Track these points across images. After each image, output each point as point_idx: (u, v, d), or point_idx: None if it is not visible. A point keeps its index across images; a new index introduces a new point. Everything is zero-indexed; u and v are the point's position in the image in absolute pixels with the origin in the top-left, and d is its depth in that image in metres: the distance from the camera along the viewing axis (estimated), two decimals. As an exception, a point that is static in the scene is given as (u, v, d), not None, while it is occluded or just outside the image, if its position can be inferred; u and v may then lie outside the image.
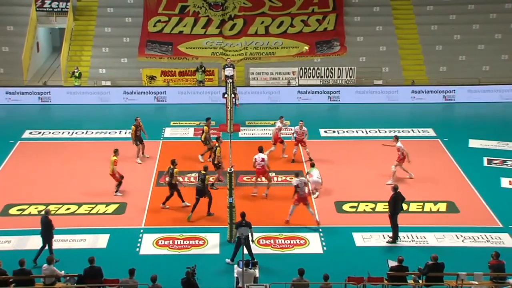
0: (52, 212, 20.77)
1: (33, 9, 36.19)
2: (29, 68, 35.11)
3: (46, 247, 18.17)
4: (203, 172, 20.77)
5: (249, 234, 17.90)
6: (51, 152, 23.63)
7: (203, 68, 33.51)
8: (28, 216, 20.85)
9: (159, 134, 28.22)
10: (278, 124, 25.65)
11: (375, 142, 26.88)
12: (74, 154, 25.10)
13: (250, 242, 18.03)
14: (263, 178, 22.45)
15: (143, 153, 25.25)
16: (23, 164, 24.96)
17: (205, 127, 24.89)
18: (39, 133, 28.56)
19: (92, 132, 28.37)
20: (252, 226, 17.97)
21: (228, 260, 18.16)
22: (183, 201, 21.25)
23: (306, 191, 20.50)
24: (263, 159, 22.29)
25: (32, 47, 35.86)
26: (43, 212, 18.65)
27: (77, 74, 33.04)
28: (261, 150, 22.78)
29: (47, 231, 18.06)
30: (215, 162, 23.07)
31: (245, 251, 16.79)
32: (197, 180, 21.33)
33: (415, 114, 31.97)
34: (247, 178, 23.41)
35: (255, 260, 17.47)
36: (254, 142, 25.64)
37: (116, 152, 22.24)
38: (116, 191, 22.23)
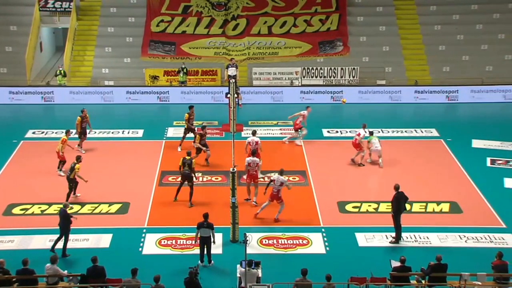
0: (55, 212, 20.84)
1: (37, 9, 36.23)
2: (32, 68, 35.13)
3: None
4: (188, 157, 21.44)
5: (211, 235, 17.98)
6: (54, 152, 23.62)
7: (185, 70, 33.55)
8: (31, 216, 20.87)
9: (162, 134, 28.23)
10: (305, 112, 26.69)
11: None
12: (77, 154, 25.03)
13: (212, 244, 18.10)
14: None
15: (81, 146, 25.74)
16: (26, 164, 24.99)
17: (186, 114, 25.89)
18: (42, 132, 28.60)
19: (95, 132, 28.37)
20: (254, 226, 17.97)
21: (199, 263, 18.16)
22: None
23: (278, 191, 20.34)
24: (257, 142, 23.17)
25: (35, 47, 35.90)
26: (61, 206, 18.93)
27: (62, 72, 33.00)
28: (254, 133, 23.82)
29: (64, 223, 18.31)
30: (196, 146, 23.90)
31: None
32: (183, 167, 21.50)
33: (418, 114, 31.94)
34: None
35: (212, 262, 17.96)
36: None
37: (67, 132, 23.96)
38: (59, 169, 23.41)
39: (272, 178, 20.84)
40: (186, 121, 25.99)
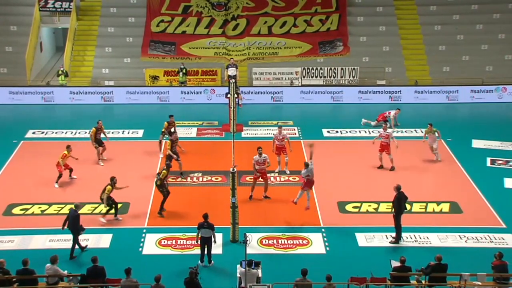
0: (55, 212, 20.87)
1: (37, 9, 36.25)
2: (32, 68, 35.14)
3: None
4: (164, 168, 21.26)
5: (211, 236, 17.99)
6: (54, 152, 23.62)
7: (184, 70, 33.54)
8: (31, 216, 20.87)
9: (162, 134, 28.20)
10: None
11: (378, 142, 26.74)
12: (76, 154, 25.05)
13: (212, 244, 18.12)
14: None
15: (101, 155, 25.18)
16: (26, 164, 24.99)
17: (165, 123, 25.55)
18: (42, 132, 28.61)
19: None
20: (254, 226, 17.97)
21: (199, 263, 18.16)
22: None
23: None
24: (283, 138, 23.69)
25: (35, 47, 35.91)
26: (73, 206, 18.74)
27: (64, 72, 33.01)
28: (280, 128, 24.22)
29: (74, 224, 18.24)
30: (167, 154, 23.51)
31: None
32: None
33: (418, 114, 31.93)
34: (249, 178, 23.38)
35: (212, 262, 17.99)
36: (257, 142, 25.56)
37: (68, 148, 23.20)
38: (56, 182, 22.86)
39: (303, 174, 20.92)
40: (164, 130, 25.37)
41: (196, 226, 18.18)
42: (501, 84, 33.36)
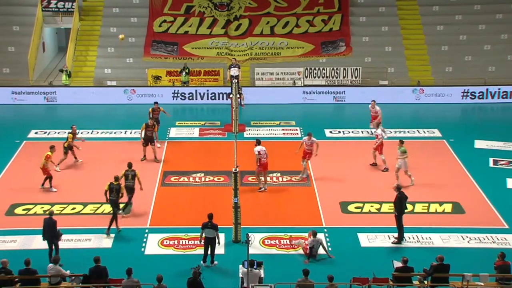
0: (57, 212, 20.88)
1: (39, 9, 36.29)
2: (35, 68, 35.19)
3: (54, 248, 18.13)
4: (115, 183, 19.94)
5: (215, 236, 17.99)
6: (57, 152, 23.63)
7: (187, 69, 33.57)
8: (33, 216, 20.88)
9: (164, 134, 28.22)
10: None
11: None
12: (79, 154, 25.10)
13: (216, 244, 18.14)
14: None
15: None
16: (28, 164, 24.98)
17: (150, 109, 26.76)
18: (45, 133, 28.63)
19: (98, 132, 28.41)
20: (257, 226, 17.97)
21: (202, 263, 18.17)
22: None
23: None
24: (312, 144, 23.45)
25: (38, 47, 35.96)
26: (47, 213, 18.54)
27: (68, 72, 33.06)
28: (309, 135, 23.68)
29: (52, 232, 18.00)
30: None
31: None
32: (110, 192, 19.94)
33: (420, 115, 31.91)
34: (252, 178, 23.40)
35: (215, 262, 17.97)
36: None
37: (52, 148, 23.00)
38: (50, 187, 22.51)
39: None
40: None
41: (199, 226, 18.18)
42: (503, 85, 33.28)
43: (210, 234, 18.01)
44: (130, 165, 21.28)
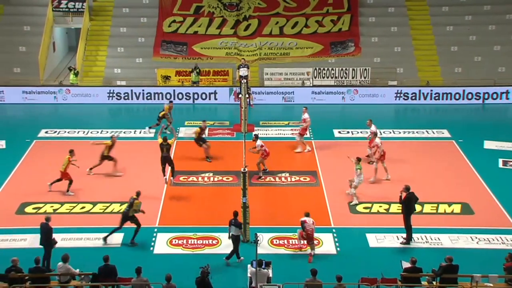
0: (67, 211, 20.99)
1: (50, 9, 36.48)
2: (45, 67, 35.37)
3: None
4: (134, 196, 19.54)
5: (240, 234, 18.30)
6: (67, 151, 23.73)
7: (197, 69, 33.63)
8: (43, 215, 20.88)
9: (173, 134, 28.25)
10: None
11: (389, 142, 26.69)
12: (89, 153, 25.21)
13: (240, 242, 18.39)
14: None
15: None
16: (39, 163, 25.16)
17: (165, 106, 28.30)
18: (55, 132, 28.78)
19: (107, 132, 28.51)
20: (265, 226, 18.04)
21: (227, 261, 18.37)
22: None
23: None
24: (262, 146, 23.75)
25: (48, 47, 36.14)
26: (44, 218, 18.14)
27: (76, 71, 33.22)
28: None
29: (47, 239, 17.75)
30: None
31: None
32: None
33: (429, 115, 31.83)
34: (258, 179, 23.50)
35: (242, 258, 18.11)
36: (268, 142, 25.60)
37: (71, 152, 22.54)
38: (68, 190, 22.36)
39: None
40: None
41: (208, 226, 18.31)
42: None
43: (235, 232, 18.24)
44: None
